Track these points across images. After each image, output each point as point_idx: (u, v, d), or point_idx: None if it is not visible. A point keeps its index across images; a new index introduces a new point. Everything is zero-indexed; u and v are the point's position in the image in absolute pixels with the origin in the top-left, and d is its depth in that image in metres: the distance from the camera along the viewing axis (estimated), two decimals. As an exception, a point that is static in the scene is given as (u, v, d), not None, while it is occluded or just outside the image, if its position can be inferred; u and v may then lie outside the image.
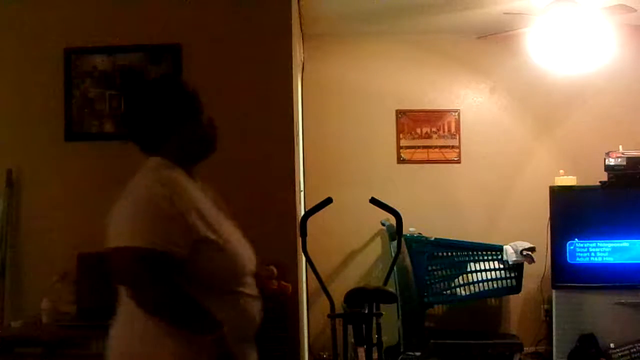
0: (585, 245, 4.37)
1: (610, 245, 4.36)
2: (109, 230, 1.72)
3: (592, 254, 4.37)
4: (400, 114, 5.04)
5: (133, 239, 1.66)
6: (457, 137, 5.06)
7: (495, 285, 4.57)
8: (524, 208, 4.88)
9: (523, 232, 4.60)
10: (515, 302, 4.93)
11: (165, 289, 1.67)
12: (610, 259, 4.35)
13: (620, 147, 4.40)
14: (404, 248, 4.33)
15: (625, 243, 4.35)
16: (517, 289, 4.58)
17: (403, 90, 5.04)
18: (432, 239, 4.61)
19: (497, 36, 4.45)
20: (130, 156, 3.55)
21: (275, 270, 3.30)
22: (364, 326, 3.02)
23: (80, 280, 3.19)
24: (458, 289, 4.57)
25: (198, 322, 1.71)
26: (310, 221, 3.32)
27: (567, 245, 4.37)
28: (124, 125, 1.96)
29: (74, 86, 3.43)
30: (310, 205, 3.56)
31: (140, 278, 1.66)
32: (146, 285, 1.66)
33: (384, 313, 3.11)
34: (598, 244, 4.37)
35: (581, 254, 4.37)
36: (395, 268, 3.85)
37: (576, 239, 4.37)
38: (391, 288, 3.62)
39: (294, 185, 3.48)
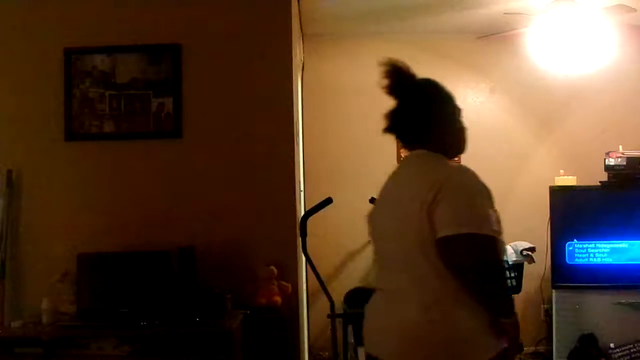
0: (584, 246, 4.37)
1: (609, 246, 4.35)
2: (444, 216, 1.78)
3: (591, 255, 4.36)
4: (400, 114, 5.03)
5: (490, 227, 1.79)
6: (457, 137, 5.05)
7: (495, 285, 4.55)
8: (524, 208, 4.87)
9: (523, 232, 4.59)
10: (515, 302, 4.90)
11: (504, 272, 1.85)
12: (609, 260, 4.35)
13: (620, 147, 4.40)
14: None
15: (624, 244, 4.34)
16: (517, 289, 4.56)
17: (403, 90, 5.03)
18: (432, 239, 4.60)
19: (497, 36, 4.45)
20: (130, 156, 3.54)
21: (275, 270, 3.32)
22: (364, 326, 3.01)
23: (80, 280, 3.19)
24: (458, 289, 4.56)
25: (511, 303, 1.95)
26: (310, 221, 3.32)
27: (566, 246, 4.37)
28: (391, 121, 2.04)
29: (74, 86, 3.43)
30: (310, 205, 3.56)
31: (498, 264, 1.82)
32: (501, 269, 1.83)
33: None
34: (597, 244, 4.36)
35: (580, 255, 4.37)
36: (395, 268, 3.84)
37: (575, 240, 4.37)
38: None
39: (294, 185, 3.48)
